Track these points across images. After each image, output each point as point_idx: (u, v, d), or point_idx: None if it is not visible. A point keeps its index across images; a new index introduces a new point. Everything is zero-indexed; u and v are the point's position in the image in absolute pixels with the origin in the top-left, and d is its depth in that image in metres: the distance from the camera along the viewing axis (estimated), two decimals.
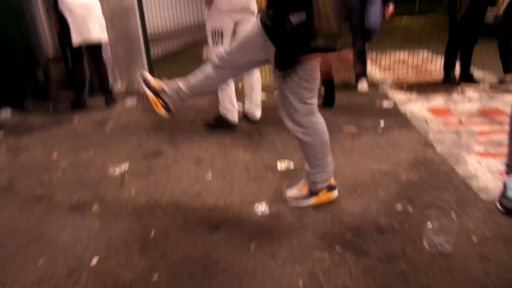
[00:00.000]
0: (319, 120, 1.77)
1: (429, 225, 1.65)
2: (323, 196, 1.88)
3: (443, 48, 4.06)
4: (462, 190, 1.96)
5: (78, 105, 3.85)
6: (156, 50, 5.35)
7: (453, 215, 1.75)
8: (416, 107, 3.31)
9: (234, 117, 2.96)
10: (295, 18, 1.41)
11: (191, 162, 2.47)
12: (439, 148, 2.47)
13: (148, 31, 4.84)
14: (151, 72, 4.85)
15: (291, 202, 1.91)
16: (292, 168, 2.30)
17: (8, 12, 3.86)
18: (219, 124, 2.98)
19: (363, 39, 3.87)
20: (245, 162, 2.43)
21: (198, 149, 2.68)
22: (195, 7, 5.60)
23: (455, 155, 2.35)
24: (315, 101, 1.74)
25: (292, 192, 1.94)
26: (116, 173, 2.35)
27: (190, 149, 2.68)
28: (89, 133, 3.16)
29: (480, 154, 2.34)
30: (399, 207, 1.84)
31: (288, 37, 1.46)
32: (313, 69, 1.62)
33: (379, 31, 3.75)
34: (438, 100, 3.47)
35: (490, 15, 5.85)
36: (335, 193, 1.91)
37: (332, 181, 1.89)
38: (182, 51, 7.02)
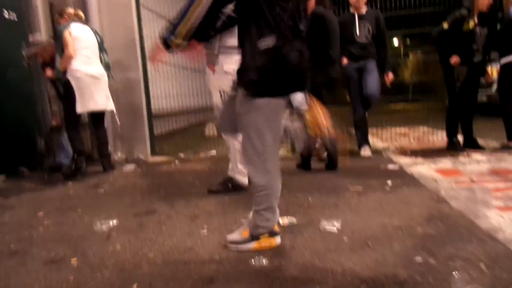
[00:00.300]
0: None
1: (457, 275, 1.42)
2: (265, 242, 1.78)
3: (441, 124, 4.08)
4: (488, 242, 1.74)
5: (75, 174, 3.58)
6: (159, 127, 5.42)
7: (483, 266, 1.51)
8: (423, 168, 3.19)
9: (246, 180, 2.80)
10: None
11: (186, 219, 2.28)
12: (454, 203, 2.28)
13: (152, 108, 4.97)
14: (153, 147, 4.88)
15: (231, 246, 1.79)
16: (296, 223, 2.10)
17: (13, 82, 3.99)
18: (227, 188, 2.79)
19: (363, 107, 3.93)
20: (244, 217, 2.23)
21: (195, 207, 2.50)
22: (199, 90, 5.81)
23: (473, 210, 2.16)
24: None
25: (233, 236, 1.83)
26: (103, 229, 2.15)
27: (186, 208, 2.50)
28: (81, 194, 3.01)
29: (501, 209, 2.15)
30: (418, 259, 1.61)
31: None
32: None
33: (378, 98, 3.83)
34: (445, 163, 3.37)
35: (483, 94, 6.10)
36: (277, 240, 1.81)
37: (276, 228, 1.81)
38: (184, 130, 7.17)
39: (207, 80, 2.80)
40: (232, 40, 2.64)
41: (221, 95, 2.70)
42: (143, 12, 4.85)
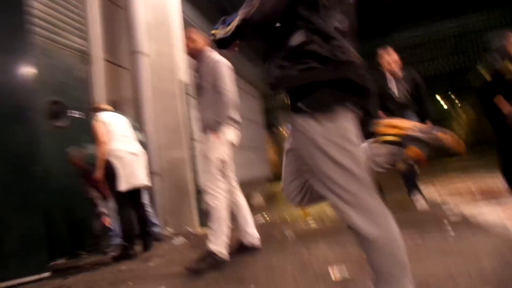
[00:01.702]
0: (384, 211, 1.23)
1: None
2: None
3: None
4: None
5: (126, 256, 3.44)
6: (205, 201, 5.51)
7: None
8: (491, 217, 2.88)
9: (226, 252, 2.64)
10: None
11: (233, 280, 2.20)
12: None
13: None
14: (201, 219, 4.93)
15: None
16: (348, 277, 1.94)
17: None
18: (210, 264, 2.54)
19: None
20: (293, 274, 2.13)
21: (242, 270, 2.42)
22: (243, 164, 5.99)
23: None
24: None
25: None
26: None
27: (233, 271, 2.43)
28: (132, 268, 3.04)
29: None
30: None
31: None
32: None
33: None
34: None
35: None
36: None
37: None
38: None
39: (209, 146, 2.78)
40: (236, 115, 2.82)
41: (219, 165, 2.72)
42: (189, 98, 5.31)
